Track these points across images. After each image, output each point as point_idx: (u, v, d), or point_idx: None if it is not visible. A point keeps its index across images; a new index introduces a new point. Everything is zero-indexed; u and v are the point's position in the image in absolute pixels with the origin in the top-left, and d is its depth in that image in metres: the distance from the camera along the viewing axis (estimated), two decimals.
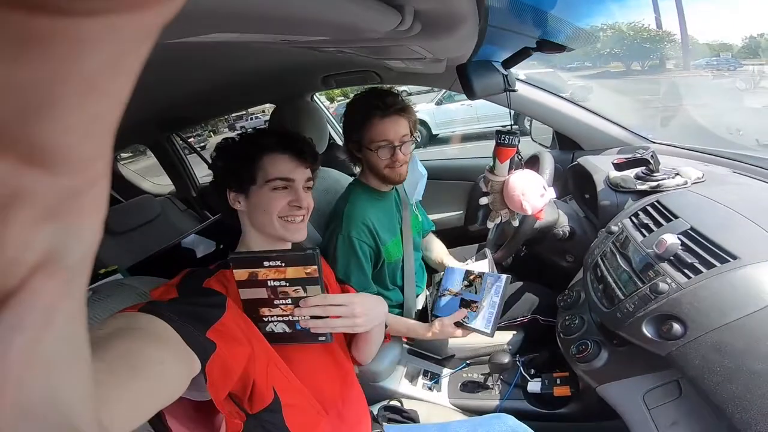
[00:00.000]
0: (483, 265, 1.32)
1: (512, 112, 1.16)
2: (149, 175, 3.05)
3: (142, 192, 2.55)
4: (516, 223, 1.14)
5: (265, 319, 0.78)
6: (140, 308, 0.56)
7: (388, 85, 1.55)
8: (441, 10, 0.50)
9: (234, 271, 0.74)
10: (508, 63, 0.97)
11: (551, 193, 1.05)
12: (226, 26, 0.38)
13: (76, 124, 0.11)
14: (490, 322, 1.14)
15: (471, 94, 0.93)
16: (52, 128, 0.10)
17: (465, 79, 0.91)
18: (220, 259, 0.91)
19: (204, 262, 1.60)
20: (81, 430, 0.15)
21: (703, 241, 0.80)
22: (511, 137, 0.99)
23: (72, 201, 0.12)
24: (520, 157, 1.03)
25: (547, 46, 0.81)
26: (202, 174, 2.68)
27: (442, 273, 1.35)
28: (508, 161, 1.02)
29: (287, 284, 0.76)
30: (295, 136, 0.94)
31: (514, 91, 1.02)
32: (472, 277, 1.23)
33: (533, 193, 1.01)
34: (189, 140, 2.87)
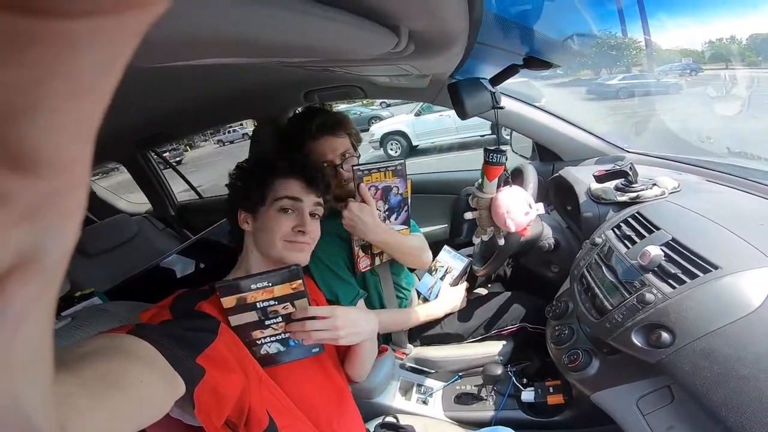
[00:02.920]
0: (445, 257, 1.51)
1: (499, 128, 1.18)
2: (122, 191, 2.96)
3: (117, 211, 2.46)
4: (501, 242, 1.16)
5: (259, 342, 0.78)
6: (128, 330, 0.55)
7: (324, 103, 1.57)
8: (435, 30, 0.51)
9: (222, 299, 0.73)
10: (496, 80, 0.99)
11: (539, 208, 1.07)
12: (220, 52, 0.37)
13: (58, 126, 0.11)
14: (462, 259, 1.48)
15: (462, 114, 0.94)
16: (34, 130, 0.10)
17: (457, 98, 0.92)
18: (200, 279, 0.90)
19: (185, 283, 1.55)
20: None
21: (684, 251, 0.82)
22: (498, 155, 1.00)
23: (51, 203, 0.12)
24: (507, 173, 1.05)
25: (534, 63, 0.83)
26: (179, 190, 2.63)
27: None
28: (496, 179, 1.03)
29: (276, 303, 0.77)
30: (310, 163, 0.98)
31: (501, 108, 1.04)
32: (433, 269, 1.49)
33: (518, 211, 1.03)
34: (164, 155, 2.81)
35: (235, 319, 0.75)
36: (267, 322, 0.78)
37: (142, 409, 0.45)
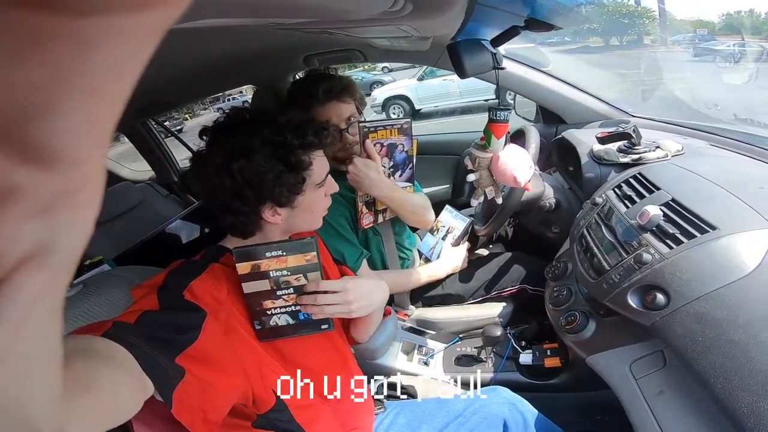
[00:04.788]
0: (446, 217, 1.48)
1: (498, 89, 1.16)
2: (124, 160, 2.95)
3: (120, 179, 2.46)
4: (500, 200, 1.16)
5: (269, 312, 0.78)
6: (104, 332, 0.53)
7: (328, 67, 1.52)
8: None
9: (237, 264, 0.73)
10: (497, 41, 0.97)
11: (533, 164, 1.08)
12: (219, 12, 0.37)
13: (74, 124, 0.11)
14: (464, 219, 1.44)
15: (462, 73, 0.92)
16: (50, 127, 0.10)
17: (456, 58, 0.90)
18: (204, 242, 0.87)
19: (190, 247, 1.58)
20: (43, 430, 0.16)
21: (683, 212, 0.82)
22: (504, 113, 1.00)
23: (65, 198, 0.12)
24: (508, 132, 1.05)
25: (536, 24, 0.80)
26: (182, 157, 2.61)
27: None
28: (504, 137, 1.02)
29: (289, 273, 0.77)
30: (320, 125, 0.82)
31: (502, 69, 1.02)
32: (434, 229, 1.47)
33: (524, 167, 1.03)
34: (164, 123, 2.78)
35: (248, 287, 0.75)
36: (279, 293, 0.77)
37: (113, 411, 0.45)
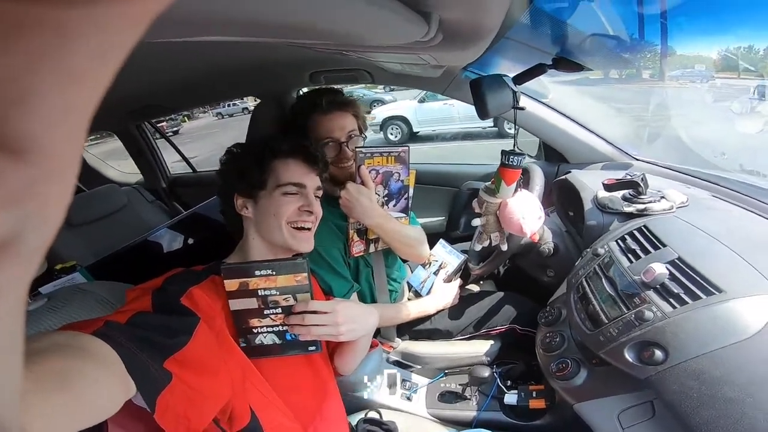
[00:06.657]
0: (440, 252, 1.46)
1: (516, 130, 1.13)
2: (114, 157, 2.87)
3: (106, 180, 2.39)
4: (505, 247, 1.13)
5: (255, 331, 0.77)
6: (94, 330, 0.53)
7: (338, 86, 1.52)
8: (470, 20, 0.47)
9: (225, 281, 0.73)
10: (521, 79, 0.93)
11: (543, 214, 1.05)
12: (232, 31, 0.33)
13: (49, 114, 0.11)
14: (458, 255, 1.43)
15: (483, 113, 0.88)
16: (24, 117, 0.10)
17: (479, 96, 0.86)
18: (187, 256, 0.87)
19: (171, 260, 1.51)
20: (5, 426, 0.15)
21: (689, 272, 0.81)
22: (518, 158, 0.95)
23: (36, 189, 0.12)
24: (521, 177, 1.01)
25: (564, 63, 0.78)
26: (172, 160, 2.56)
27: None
28: (514, 184, 0.98)
29: (278, 293, 0.76)
30: (307, 142, 0.95)
31: (522, 109, 0.97)
32: (427, 264, 1.44)
33: (533, 217, 1.00)
34: (161, 125, 2.73)
35: (235, 304, 0.75)
36: (266, 312, 0.77)
37: (89, 409, 0.44)
